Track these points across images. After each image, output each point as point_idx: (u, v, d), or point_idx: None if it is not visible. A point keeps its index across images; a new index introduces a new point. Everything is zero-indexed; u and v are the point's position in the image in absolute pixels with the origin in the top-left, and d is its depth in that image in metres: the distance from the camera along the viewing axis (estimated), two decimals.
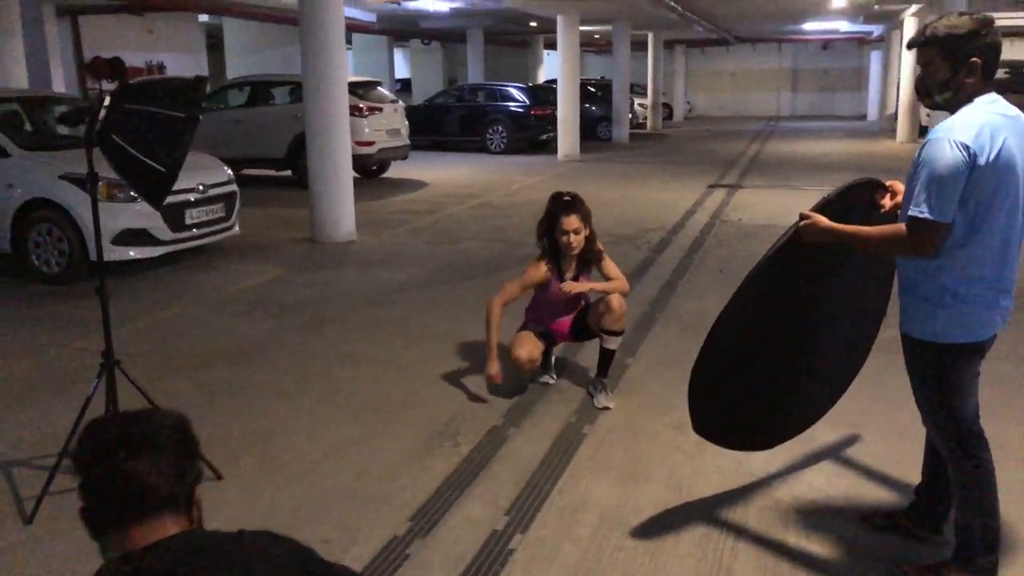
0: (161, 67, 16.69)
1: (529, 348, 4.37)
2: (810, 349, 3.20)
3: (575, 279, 4.41)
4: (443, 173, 14.58)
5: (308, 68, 8.41)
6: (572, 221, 4.27)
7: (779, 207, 10.56)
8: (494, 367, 4.29)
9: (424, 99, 20.66)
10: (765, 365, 3.11)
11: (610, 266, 4.45)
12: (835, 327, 3.27)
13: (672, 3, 16.88)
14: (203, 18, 21.98)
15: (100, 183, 6.94)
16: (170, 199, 7.14)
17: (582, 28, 24.68)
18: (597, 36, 28.59)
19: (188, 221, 7.25)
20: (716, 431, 3.24)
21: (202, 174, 7.49)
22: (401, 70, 31.45)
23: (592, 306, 4.45)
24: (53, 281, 6.86)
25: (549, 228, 4.34)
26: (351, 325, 5.79)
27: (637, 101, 25.71)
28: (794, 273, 2.96)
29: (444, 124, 18.71)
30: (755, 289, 2.90)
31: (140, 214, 6.88)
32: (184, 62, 17.10)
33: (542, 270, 4.39)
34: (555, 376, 4.72)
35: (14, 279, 7.00)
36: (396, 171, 14.32)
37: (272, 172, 12.93)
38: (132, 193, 6.85)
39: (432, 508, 3.33)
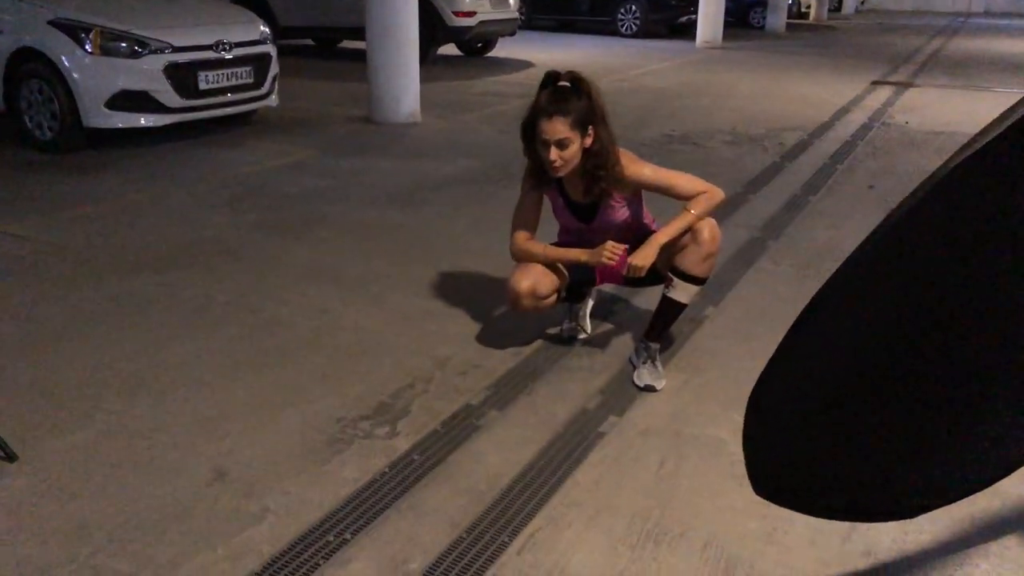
0: None
1: (535, 278, 2.84)
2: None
3: (591, 205, 2.85)
4: (557, 55, 12.77)
5: None
6: (554, 127, 2.60)
7: (961, 111, 8.30)
8: (597, 252, 2.72)
9: None
10: (918, 380, 1.51)
11: (676, 182, 2.78)
12: None
13: None
14: None
15: (92, 31, 5.85)
16: (179, 57, 5.96)
17: None
18: None
19: (203, 86, 5.98)
20: (799, 490, 1.70)
21: (223, 30, 6.17)
22: None
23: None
24: (46, 149, 5.80)
25: (529, 131, 2.72)
26: (351, 228, 4.41)
27: None
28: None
29: (573, 2, 16.65)
30: (910, 244, 1.29)
31: (141, 73, 5.68)
32: None
33: (533, 193, 2.88)
34: (588, 328, 3.20)
35: (8, 143, 6.00)
36: (504, 50, 12.65)
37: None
38: (136, 47, 5.67)
39: (294, 562, 1.96)
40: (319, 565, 1.95)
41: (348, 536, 2.04)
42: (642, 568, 1.97)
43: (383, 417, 2.59)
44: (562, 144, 2.62)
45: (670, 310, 2.86)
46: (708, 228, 2.73)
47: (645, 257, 2.69)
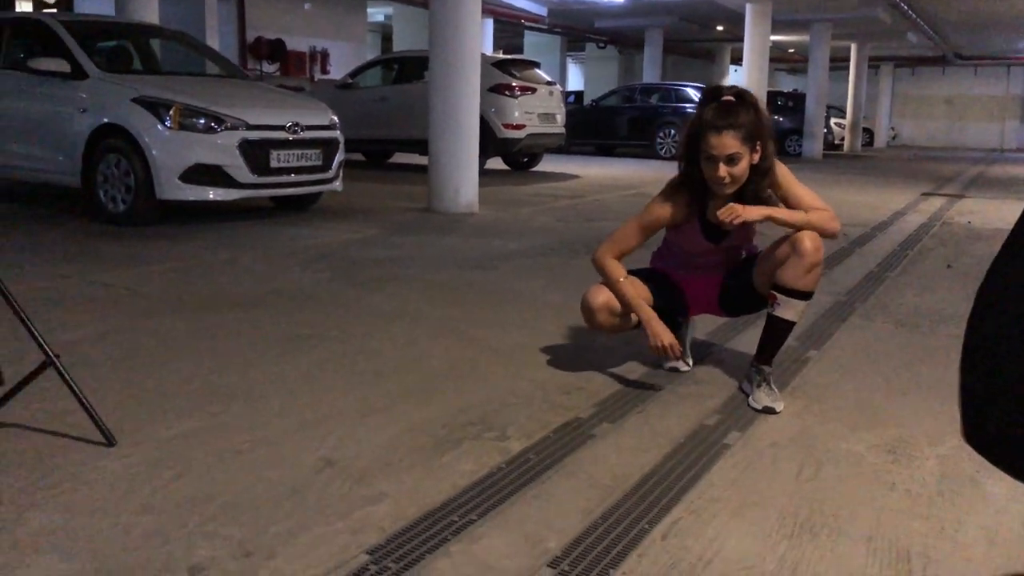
0: (325, 53, 16.31)
1: (608, 295, 2.76)
2: None
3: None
4: (601, 170, 13.06)
5: (436, 8, 7.18)
6: (725, 142, 2.51)
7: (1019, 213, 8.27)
8: (660, 333, 2.68)
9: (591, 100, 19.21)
10: None
11: (799, 192, 2.69)
12: None
13: None
14: (378, 17, 21.88)
15: (172, 108, 6.05)
16: (253, 135, 6.12)
17: (774, 38, 22.61)
18: (792, 51, 26.30)
19: (274, 164, 6.12)
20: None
21: (296, 112, 6.36)
22: (575, 83, 30.35)
23: (763, 254, 2.78)
24: (118, 221, 5.90)
25: (691, 147, 2.64)
26: (425, 284, 4.36)
27: (834, 120, 23.20)
28: None
29: (611, 127, 17.14)
30: None
31: (216, 148, 5.82)
32: (346, 50, 16.65)
33: (668, 208, 2.74)
34: (689, 361, 3.06)
35: (78, 219, 6.12)
36: (549, 165, 12.95)
37: (422, 158, 11.87)
38: (212, 124, 5.84)
39: (419, 537, 1.79)
40: (447, 540, 1.77)
41: (474, 517, 1.87)
42: (803, 554, 1.77)
43: (490, 423, 2.44)
44: (732, 160, 2.53)
45: (777, 330, 2.72)
46: (809, 238, 2.61)
47: (748, 211, 2.55)
